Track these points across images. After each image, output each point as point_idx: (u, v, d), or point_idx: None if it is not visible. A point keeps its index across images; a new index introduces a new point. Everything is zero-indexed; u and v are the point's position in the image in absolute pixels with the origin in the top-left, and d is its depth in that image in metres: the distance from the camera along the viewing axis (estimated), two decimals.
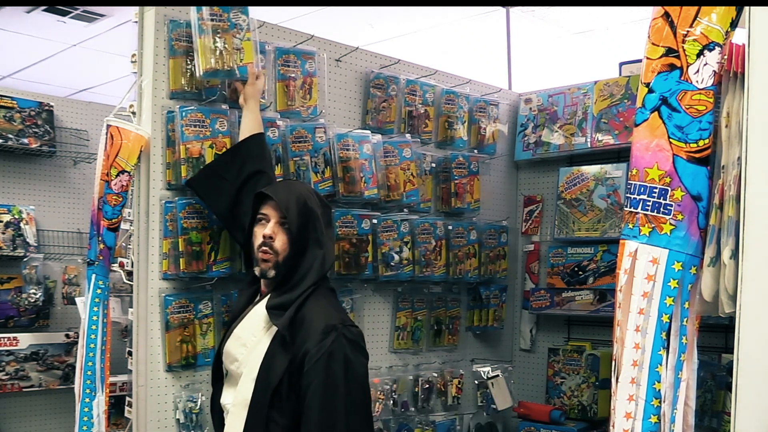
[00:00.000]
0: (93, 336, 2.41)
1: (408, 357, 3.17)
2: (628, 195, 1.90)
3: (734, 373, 1.72)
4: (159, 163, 2.48)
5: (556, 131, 3.50)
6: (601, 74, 3.49)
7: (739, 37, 1.83)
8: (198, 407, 2.47)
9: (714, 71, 1.81)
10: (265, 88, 2.66)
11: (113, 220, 2.40)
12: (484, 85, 3.54)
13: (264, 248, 2.16)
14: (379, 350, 3.06)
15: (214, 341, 2.54)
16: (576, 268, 3.41)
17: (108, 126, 2.39)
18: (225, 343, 2.24)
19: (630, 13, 5.31)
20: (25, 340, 3.68)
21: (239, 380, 2.16)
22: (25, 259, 3.73)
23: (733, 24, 1.81)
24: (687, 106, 1.82)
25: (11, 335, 3.66)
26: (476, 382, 3.39)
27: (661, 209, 1.84)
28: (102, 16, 5.90)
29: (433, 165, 3.24)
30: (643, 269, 1.85)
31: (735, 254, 1.78)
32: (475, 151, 3.41)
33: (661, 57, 1.85)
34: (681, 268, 1.83)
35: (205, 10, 2.43)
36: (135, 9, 2.53)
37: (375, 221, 2.93)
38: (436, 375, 3.21)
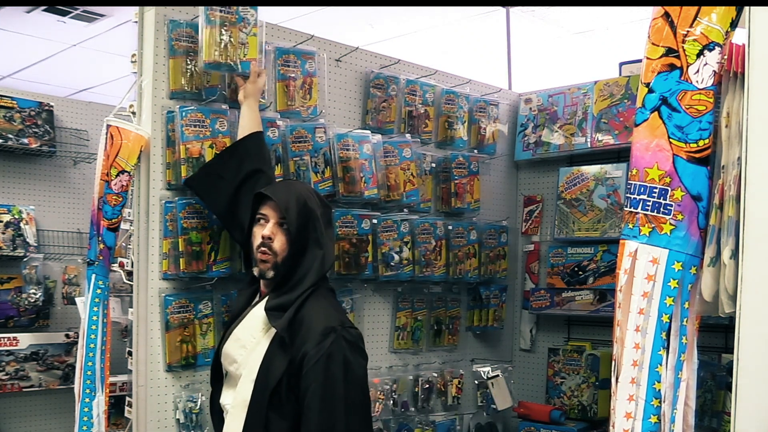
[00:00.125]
0: (93, 336, 2.41)
1: (408, 357, 3.17)
2: (628, 195, 1.90)
3: (734, 373, 1.72)
4: (159, 163, 2.48)
5: (556, 131, 3.50)
6: (601, 74, 3.49)
7: (739, 37, 1.83)
8: (198, 407, 2.47)
9: (714, 71, 1.81)
10: (265, 88, 2.66)
11: (113, 220, 2.40)
12: (484, 85, 3.54)
13: (263, 249, 2.16)
14: (379, 350, 3.06)
15: (214, 341, 2.54)
16: (576, 268, 3.41)
17: (108, 126, 2.39)
18: (224, 344, 2.24)
19: (630, 13, 5.31)
20: (25, 340, 3.68)
21: (238, 381, 2.16)
22: (25, 259, 3.73)
23: (733, 24, 1.81)
24: (687, 106, 1.82)
25: (11, 335, 3.66)
26: (476, 382, 3.39)
27: (661, 209, 1.84)
28: (102, 16, 5.90)
29: (433, 165, 3.24)
30: (643, 269, 1.85)
31: (735, 254, 1.78)
32: (475, 151, 3.41)
33: (661, 57, 1.85)
34: (681, 268, 1.83)
35: None
36: (135, 9, 2.52)
37: (375, 221, 2.93)
38: (436, 375, 3.21)
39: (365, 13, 5.64)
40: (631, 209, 1.88)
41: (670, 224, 1.83)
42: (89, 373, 2.40)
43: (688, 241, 1.83)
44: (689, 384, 1.88)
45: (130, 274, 2.51)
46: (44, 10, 5.79)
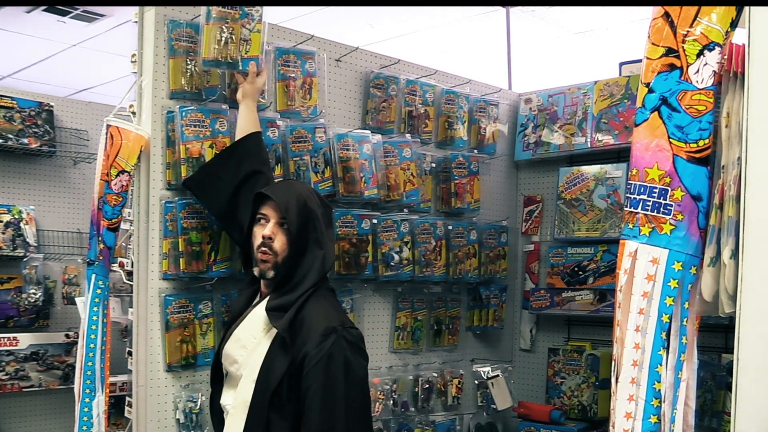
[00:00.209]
0: (93, 336, 2.41)
1: (408, 357, 3.17)
2: (628, 195, 1.90)
3: (734, 373, 1.72)
4: (159, 163, 2.48)
5: (556, 131, 3.50)
6: (601, 74, 3.49)
7: (739, 37, 1.83)
8: (198, 407, 2.47)
9: (714, 71, 1.81)
10: (265, 88, 2.66)
11: (113, 220, 2.40)
12: (484, 85, 3.54)
13: (263, 249, 2.16)
14: (379, 350, 3.06)
15: (214, 341, 2.54)
16: (576, 268, 3.41)
17: (108, 126, 2.39)
18: (224, 345, 2.24)
19: (630, 13, 5.31)
20: (25, 340, 3.68)
21: (239, 382, 2.16)
22: (25, 259, 3.73)
23: (733, 24, 1.81)
24: (687, 106, 1.82)
25: (11, 335, 3.66)
26: (476, 382, 3.39)
27: (661, 209, 1.84)
28: (102, 16, 5.90)
29: (433, 165, 3.24)
30: (643, 269, 1.85)
31: (735, 254, 1.78)
32: (475, 151, 3.41)
33: (661, 57, 1.85)
34: (681, 268, 1.83)
35: None
36: (135, 9, 2.52)
37: (375, 221, 2.93)
38: (436, 375, 3.21)
39: (365, 13, 5.64)
40: (631, 209, 1.88)
41: (670, 224, 1.83)
42: (89, 373, 2.40)
43: (688, 241, 1.83)
44: (689, 384, 1.88)
45: (130, 274, 2.51)
46: (44, 10, 5.79)
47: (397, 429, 3.07)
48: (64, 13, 5.87)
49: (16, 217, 3.76)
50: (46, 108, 3.87)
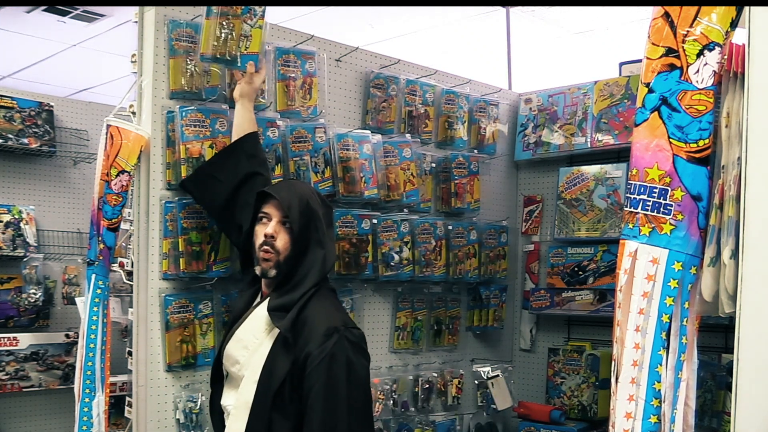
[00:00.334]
0: (93, 336, 2.41)
1: (408, 357, 3.17)
2: (628, 195, 1.90)
3: (734, 373, 1.72)
4: (159, 163, 2.48)
5: (556, 131, 3.50)
6: (601, 74, 3.49)
7: (739, 37, 1.83)
8: (198, 407, 2.47)
9: (714, 71, 1.81)
10: (265, 87, 2.66)
11: (113, 220, 2.40)
12: (484, 85, 3.54)
13: (265, 247, 2.16)
14: (379, 350, 3.06)
15: (214, 341, 2.54)
16: (576, 268, 3.41)
17: (108, 126, 2.39)
18: (225, 345, 2.24)
19: (630, 13, 5.31)
20: (25, 340, 3.68)
21: (241, 382, 2.16)
22: (25, 259, 3.73)
23: (733, 24, 1.81)
24: (687, 106, 1.82)
25: (11, 335, 3.66)
26: (476, 382, 3.39)
27: (661, 209, 1.83)
28: (102, 16, 5.90)
29: (433, 165, 3.24)
30: (643, 269, 1.85)
31: (735, 254, 1.78)
32: (475, 151, 3.41)
33: (661, 57, 1.85)
34: (681, 268, 1.83)
35: None
36: (135, 9, 2.52)
37: (375, 221, 2.93)
38: (436, 375, 3.21)
39: (365, 13, 5.64)
40: (631, 209, 1.88)
41: (670, 224, 1.83)
42: (89, 373, 2.40)
43: (688, 241, 1.83)
44: (689, 384, 1.88)
45: (130, 274, 2.51)
46: (44, 10, 5.79)
47: (397, 429, 3.07)
48: (64, 13, 5.87)
49: (16, 217, 3.76)
50: (46, 108, 3.87)
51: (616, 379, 1.87)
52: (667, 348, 1.84)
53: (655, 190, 1.84)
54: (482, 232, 3.38)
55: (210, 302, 2.55)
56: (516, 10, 5.56)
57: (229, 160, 2.43)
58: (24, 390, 3.70)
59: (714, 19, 1.80)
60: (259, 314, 2.20)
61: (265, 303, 2.18)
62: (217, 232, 2.54)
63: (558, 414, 3.29)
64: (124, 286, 2.87)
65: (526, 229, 3.68)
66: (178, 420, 2.46)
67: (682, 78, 1.82)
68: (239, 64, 2.42)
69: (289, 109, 2.77)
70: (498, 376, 3.35)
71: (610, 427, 1.90)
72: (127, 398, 2.48)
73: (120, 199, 2.39)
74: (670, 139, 1.83)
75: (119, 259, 2.61)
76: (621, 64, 3.52)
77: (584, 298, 3.36)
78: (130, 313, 2.49)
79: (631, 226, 1.88)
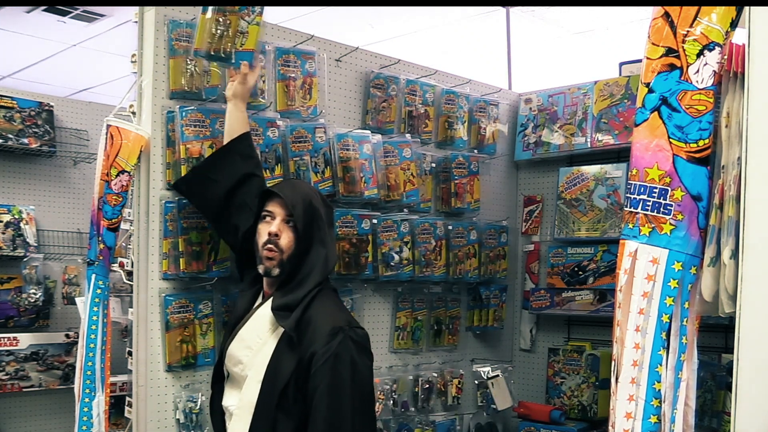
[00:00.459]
0: (93, 336, 2.41)
1: (408, 357, 3.17)
2: (628, 195, 1.90)
3: (734, 373, 1.72)
4: (159, 163, 2.47)
5: (556, 131, 3.50)
6: (601, 74, 3.49)
7: (739, 37, 1.83)
8: (198, 407, 2.47)
9: (714, 71, 1.81)
10: (265, 87, 2.65)
11: (113, 220, 2.40)
12: (484, 85, 3.54)
13: (269, 246, 2.16)
14: (379, 350, 3.05)
15: (214, 341, 2.54)
16: (576, 268, 3.41)
17: (108, 126, 2.39)
18: (228, 346, 2.23)
19: (630, 13, 5.31)
20: (25, 340, 3.68)
21: (244, 383, 2.16)
22: (25, 259, 3.72)
23: (733, 24, 1.81)
24: (687, 106, 1.82)
25: (11, 335, 3.66)
26: (476, 382, 3.39)
27: (661, 209, 1.83)
28: (102, 16, 5.91)
29: (433, 165, 3.24)
30: (643, 269, 1.85)
31: (735, 254, 1.78)
32: (475, 151, 3.41)
33: (661, 57, 1.85)
34: (681, 268, 1.83)
35: None
36: (135, 9, 2.52)
37: (375, 221, 2.93)
38: (436, 375, 3.21)
39: (365, 13, 5.64)
40: (631, 209, 1.88)
41: (670, 224, 1.83)
42: (89, 373, 2.40)
43: (688, 241, 1.83)
44: (689, 384, 1.88)
45: (130, 274, 2.51)
46: (44, 10, 5.79)
47: (397, 429, 3.07)
48: (64, 13, 5.87)
49: (16, 217, 3.76)
50: (46, 108, 3.87)
51: (616, 379, 1.87)
52: (667, 348, 1.84)
53: (655, 190, 1.84)
54: (482, 232, 3.38)
55: (210, 302, 2.55)
56: (516, 10, 5.56)
57: (225, 162, 2.41)
58: (24, 390, 3.69)
59: (714, 19, 1.80)
60: (263, 314, 2.20)
61: (269, 303, 2.18)
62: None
63: (558, 414, 3.29)
64: (124, 286, 2.87)
65: (526, 229, 3.68)
66: (178, 420, 2.46)
67: (682, 78, 1.82)
68: (233, 62, 2.38)
69: (289, 109, 2.77)
70: (498, 376, 3.35)
71: (610, 427, 1.90)
72: (127, 398, 2.48)
73: (120, 199, 2.39)
74: (670, 139, 1.83)
75: (119, 259, 2.61)
76: (621, 64, 3.52)
77: (584, 298, 3.36)
78: (130, 313, 2.49)
79: (631, 226, 1.88)
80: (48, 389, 3.76)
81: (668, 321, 1.83)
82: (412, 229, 3.07)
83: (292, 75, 2.77)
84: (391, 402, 3.03)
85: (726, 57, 1.85)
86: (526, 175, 3.73)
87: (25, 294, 3.73)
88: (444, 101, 3.28)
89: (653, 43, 1.87)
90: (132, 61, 2.53)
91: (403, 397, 3.09)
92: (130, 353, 2.48)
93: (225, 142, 2.44)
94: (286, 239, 2.17)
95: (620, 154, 3.32)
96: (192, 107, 2.47)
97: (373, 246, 2.93)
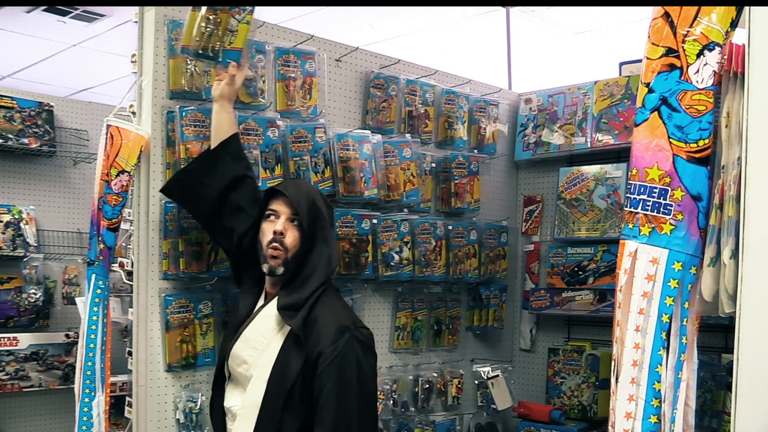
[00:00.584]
0: (93, 336, 2.41)
1: (408, 357, 3.17)
2: (628, 195, 1.90)
3: (734, 373, 1.72)
4: (159, 163, 2.47)
5: (556, 131, 3.50)
6: (601, 74, 3.49)
7: (739, 37, 1.83)
8: (198, 407, 2.47)
9: (714, 71, 1.81)
10: (265, 87, 2.65)
11: (113, 220, 2.40)
12: (484, 85, 3.54)
13: (274, 244, 2.16)
14: (379, 350, 3.02)
15: (214, 341, 2.54)
16: (576, 268, 3.41)
17: (108, 126, 2.39)
18: (231, 346, 2.23)
19: (630, 13, 5.31)
20: (25, 340, 3.68)
21: (248, 383, 2.16)
22: (25, 259, 3.72)
23: (733, 24, 1.81)
24: (687, 106, 1.82)
25: (11, 335, 3.66)
26: (476, 382, 3.39)
27: (661, 209, 1.83)
28: (102, 16, 5.91)
29: (433, 165, 3.24)
30: (643, 269, 1.85)
31: (735, 254, 1.78)
32: (475, 151, 3.41)
33: (661, 57, 1.85)
34: (681, 268, 1.83)
35: None
36: (135, 9, 2.52)
37: (375, 221, 2.93)
38: (436, 375, 3.21)
39: (365, 13, 5.64)
40: (631, 209, 1.88)
41: (670, 224, 1.83)
42: (89, 373, 2.40)
43: (688, 241, 1.83)
44: (689, 384, 1.88)
45: (130, 274, 2.51)
46: (44, 10, 5.79)
47: (397, 429, 3.07)
48: (64, 13, 5.87)
49: (16, 217, 3.76)
50: (46, 108, 3.87)
51: (616, 379, 1.87)
52: (667, 348, 1.84)
53: (655, 190, 1.84)
54: (482, 232, 3.38)
55: (210, 302, 2.55)
56: (516, 10, 5.57)
57: (217, 164, 2.36)
58: (24, 390, 3.69)
59: (714, 19, 1.80)
60: (268, 313, 2.20)
61: (274, 302, 2.18)
62: None
63: (558, 414, 3.29)
64: (124, 286, 2.87)
65: (526, 229, 3.68)
66: (178, 420, 2.46)
67: (682, 78, 1.82)
68: (220, 60, 2.34)
69: (289, 109, 2.77)
70: (498, 376, 3.35)
71: (610, 427, 1.90)
72: (127, 398, 2.48)
73: (120, 199, 2.39)
74: (670, 139, 1.83)
75: (119, 259, 2.61)
76: (621, 64, 3.52)
77: (584, 298, 3.36)
78: (130, 313, 2.49)
79: (631, 226, 1.88)
80: (48, 389, 3.76)
81: (668, 321, 1.83)
82: (412, 229, 3.07)
83: (292, 75, 2.77)
84: (391, 402, 3.03)
85: (726, 57, 1.85)
86: (526, 175, 3.73)
87: (25, 294, 3.73)
88: (444, 101, 3.28)
89: (653, 43, 1.87)
90: (132, 61, 2.53)
91: (403, 397, 3.09)
92: (130, 353, 2.48)
93: (213, 144, 2.39)
94: (291, 238, 2.17)
95: (620, 154, 3.32)
96: (192, 107, 2.47)
97: (373, 246, 2.93)
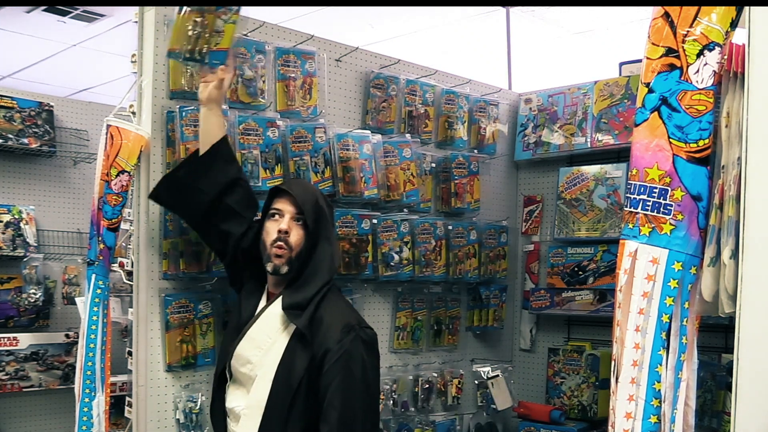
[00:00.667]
0: (93, 336, 2.41)
1: (408, 357, 3.17)
2: (628, 195, 1.90)
3: (734, 373, 1.72)
4: (159, 163, 2.47)
5: (556, 131, 3.50)
6: (601, 74, 3.49)
7: (739, 37, 1.83)
8: (198, 407, 2.47)
9: (714, 71, 1.81)
10: (265, 87, 2.65)
11: (113, 220, 2.40)
12: (484, 85, 3.54)
13: (279, 243, 2.16)
14: (379, 350, 3.05)
15: (214, 341, 2.54)
16: (576, 268, 3.41)
17: (108, 126, 2.39)
18: (235, 347, 2.22)
19: (630, 13, 5.31)
20: (25, 340, 3.68)
21: (253, 383, 2.16)
22: (25, 259, 3.72)
23: (733, 24, 1.81)
24: (687, 106, 1.82)
25: (11, 335, 3.66)
26: (476, 382, 3.39)
27: (661, 209, 1.83)
28: (102, 16, 5.90)
29: (433, 165, 3.24)
30: (643, 269, 1.85)
31: (735, 254, 1.78)
32: (475, 151, 3.41)
33: (661, 57, 1.85)
34: (681, 268, 1.83)
35: None
36: (135, 9, 2.52)
37: (375, 221, 2.93)
38: (436, 375, 3.21)
39: (365, 13, 5.64)
40: (631, 209, 1.88)
41: (670, 224, 1.83)
42: (89, 373, 2.40)
43: (688, 241, 1.83)
44: (689, 384, 1.88)
45: (130, 274, 2.51)
46: (44, 10, 5.79)
47: (397, 429, 3.07)
48: (64, 13, 5.87)
49: (16, 217, 3.76)
50: (46, 108, 3.87)
51: (616, 379, 1.87)
52: (667, 348, 1.84)
53: (655, 190, 1.84)
54: (482, 232, 3.38)
55: (210, 302, 2.55)
56: (516, 10, 5.56)
57: (210, 168, 2.32)
58: (24, 390, 3.70)
59: (714, 19, 1.80)
60: (272, 313, 2.20)
61: (278, 302, 2.19)
62: None
63: (558, 414, 3.29)
64: (124, 286, 2.87)
65: (526, 229, 3.68)
66: (178, 420, 2.46)
67: (682, 78, 1.82)
68: (206, 62, 2.27)
69: (289, 109, 2.77)
70: (498, 376, 3.35)
71: (610, 427, 1.90)
72: (127, 398, 2.48)
73: (120, 199, 2.39)
74: (670, 139, 1.83)
75: (119, 259, 2.61)
76: (621, 64, 3.52)
77: (584, 298, 3.36)
78: (130, 313, 2.49)
79: (631, 226, 1.88)
80: (48, 389, 3.76)
81: (668, 321, 1.83)
82: (412, 229, 3.07)
83: (292, 75, 2.77)
84: (391, 402, 3.03)
85: (726, 57, 1.85)
86: (526, 175, 3.72)
87: (25, 294, 3.74)
88: (444, 101, 3.28)
89: (653, 43, 1.87)
90: (132, 61, 2.53)
91: (403, 397, 3.09)
92: (130, 353, 2.48)
93: (202, 148, 2.34)
94: (295, 236, 2.17)
95: (620, 154, 3.32)
96: (192, 107, 2.47)
97: (373, 246, 2.93)
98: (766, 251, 1.69)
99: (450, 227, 3.22)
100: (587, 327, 3.50)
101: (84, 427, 2.41)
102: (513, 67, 5.55)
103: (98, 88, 7.61)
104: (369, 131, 2.96)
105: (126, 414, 2.48)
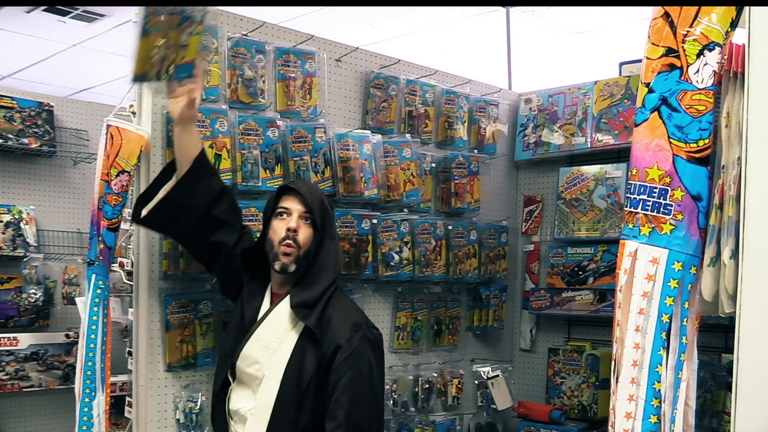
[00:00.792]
0: (93, 336, 2.41)
1: (408, 357, 3.17)
2: (628, 195, 1.90)
3: (734, 373, 1.72)
4: (159, 163, 2.47)
5: (556, 131, 3.50)
6: (601, 74, 3.49)
7: (739, 37, 1.83)
8: (198, 407, 2.47)
9: (714, 71, 1.81)
10: (265, 87, 2.64)
11: (113, 220, 2.40)
12: (484, 85, 3.54)
13: (287, 242, 2.17)
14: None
15: (214, 341, 2.54)
16: (576, 268, 3.41)
17: (108, 126, 2.39)
18: (241, 347, 2.21)
19: (630, 13, 5.31)
20: (25, 340, 3.68)
21: (260, 383, 2.16)
22: (25, 259, 3.73)
23: (733, 24, 1.81)
24: (687, 106, 1.82)
25: (11, 335, 3.66)
26: (476, 382, 3.39)
27: (661, 209, 1.83)
28: (102, 16, 5.90)
29: (433, 165, 3.24)
30: (643, 269, 1.85)
31: (735, 254, 1.78)
32: (475, 151, 3.41)
33: (661, 57, 1.85)
34: (681, 268, 1.83)
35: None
36: (135, 9, 2.51)
37: (375, 221, 2.93)
38: (436, 375, 3.21)
39: (365, 13, 5.64)
40: (631, 209, 1.88)
41: (670, 224, 1.83)
42: (89, 373, 2.40)
43: (688, 241, 1.83)
44: (689, 384, 1.88)
45: (130, 274, 2.51)
46: (44, 10, 5.79)
47: (397, 429, 3.07)
48: (64, 13, 5.87)
49: (16, 217, 3.76)
50: (46, 108, 3.87)
51: (616, 379, 1.87)
52: (667, 348, 1.84)
53: (655, 190, 1.84)
54: (482, 232, 3.38)
55: (210, 302, 2.55)
56: (516, 10, 5.56)
57: (196, 184, 2.29)
58: (24, 390, 3.70)
59: (714, 19, 1.80)
60: (280, 313, 2.20)
61: (285, 301, 2.19)
62: None
63: (558, 414, 3.29)
64: (124, 286, 2.87)
65: (526, 229, 3.68)
66: (178, 420, 2.46)
67: (682, 78, 1.82)
68: (174, 77, 2.15)
69: (289, 109, 2.77)
70: (498, 376, 3.34)
71: (610, 427, 1.90)
72: (127, 398, 2.48)
73: (120, 199, 2.39)
74: (670, 139, 1.83)
75: (119, 259, 2.61)
76: (621, 64, 3.51)
77: (584, 298, 3.36)
78: (130, 313, 2.49)
79: (631, 226, 1.88)
80: (48, 389, 3.76)
81: (668, 321, 1.83)
82: (412, 229, 3.07)
83: (292, 75, 2.77)
84: (391, 402, 3.03)
85: (726, 57, 1.85)
86: (526, 175, 3.72)
87: (25, 294, 3.74)
88: (444, 101, 3.28)
89: (653, 43, 1.87)
90: None
91: (403, 397, 3.09)
92: (130, 353, 2.48)
93: (181, 164, 2.30)
94: (303, 235, 2.18)
95: (620, 154, 3.32)
96: None
97: (373, 246, 2.93)
98: (766, 251, 1.69)
99: (450, 227, 3.22)
100: (587, 327, 3.50)
101: (84, 427, 2.41)
102: (513, 67, 5.55)
103: (98, 88, 7.61)
104: (369, 131, 2.96)
105: (126, 414, 2.48)
